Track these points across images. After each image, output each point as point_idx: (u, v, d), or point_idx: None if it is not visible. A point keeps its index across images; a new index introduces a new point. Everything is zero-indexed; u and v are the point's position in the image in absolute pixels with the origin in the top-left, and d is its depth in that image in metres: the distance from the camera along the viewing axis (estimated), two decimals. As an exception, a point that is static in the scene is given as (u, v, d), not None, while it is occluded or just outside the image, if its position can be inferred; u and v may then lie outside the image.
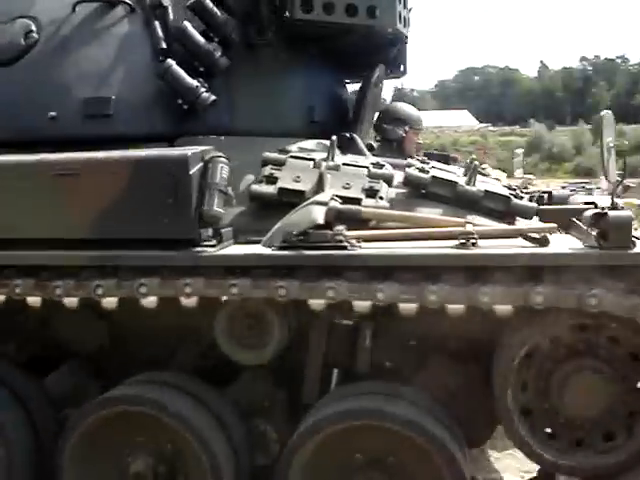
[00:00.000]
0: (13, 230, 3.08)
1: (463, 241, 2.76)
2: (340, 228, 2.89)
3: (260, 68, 3.78)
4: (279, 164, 3.32)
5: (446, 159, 4.35)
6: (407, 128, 4.63)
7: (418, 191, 3.29)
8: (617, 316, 2.71)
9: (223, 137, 3.58)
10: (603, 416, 2.89)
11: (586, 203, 3.44)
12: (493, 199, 3.25)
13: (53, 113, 3.61)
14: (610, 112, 3.39)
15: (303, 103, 4.04)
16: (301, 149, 3.59)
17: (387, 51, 4.34)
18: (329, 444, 2.96)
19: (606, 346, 2.87)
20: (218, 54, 3.58)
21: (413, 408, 2.94)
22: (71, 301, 3.06)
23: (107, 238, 2.98)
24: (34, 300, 3.13)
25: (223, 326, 3.11)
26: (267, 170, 3.26)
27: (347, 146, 3.92)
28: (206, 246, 2.94)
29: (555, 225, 2.92)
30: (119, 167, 3.00)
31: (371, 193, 3.21)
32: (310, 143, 3.73)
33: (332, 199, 3.00)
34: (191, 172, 2.89)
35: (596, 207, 2.87)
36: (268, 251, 2.90)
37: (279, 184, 3.21)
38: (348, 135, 4.07)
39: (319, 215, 2.91)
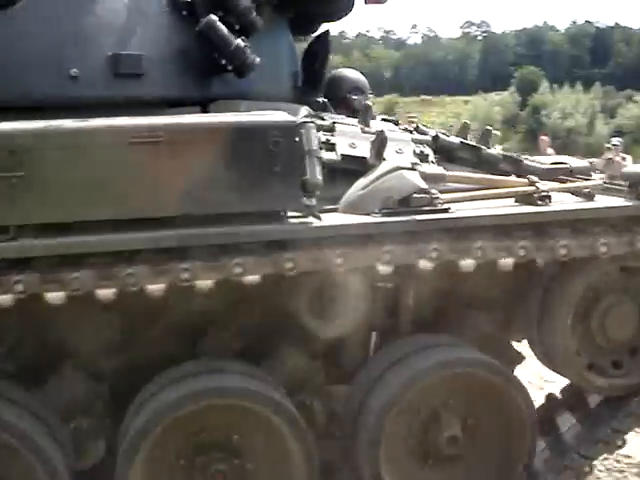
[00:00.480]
0: (76, 212, 2.59)
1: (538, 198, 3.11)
2: (435, 192, 2.94)
3: (261, 30, 3.50)
4: (329, 130, 3.27)
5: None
6: (368, 96, 4.46)
7: (447, 155, 3.52)
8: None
9: (249, 102, 3.41)
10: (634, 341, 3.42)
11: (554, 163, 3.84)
12: (509, 162, 3.61)
13: (75, 71, 3.17)
14: None
15: (291, 68, 3.97)
16: (313, 115, 3.47)
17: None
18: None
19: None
20: (254, 12, 3.36)
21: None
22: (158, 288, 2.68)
23: (198, 214, 2.69)
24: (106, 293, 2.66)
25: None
26: (321, 136, 3.13)
27: (322, 111, 3.82)
28: (314, 216, 2.81)
29: (600, 182, 3.39)
30: (216, 134, 2.71)
31: (423, 158, 3.33)
32: (303, 109, 3.62)
33: (414, 165, 3.06)
34: (297, 139, 2.75)
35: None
36: (377, 218, 2.87)
37: (339, 151, 3.18)
38: (321, 101, 4.04)
39: (419, 180, 2.95)
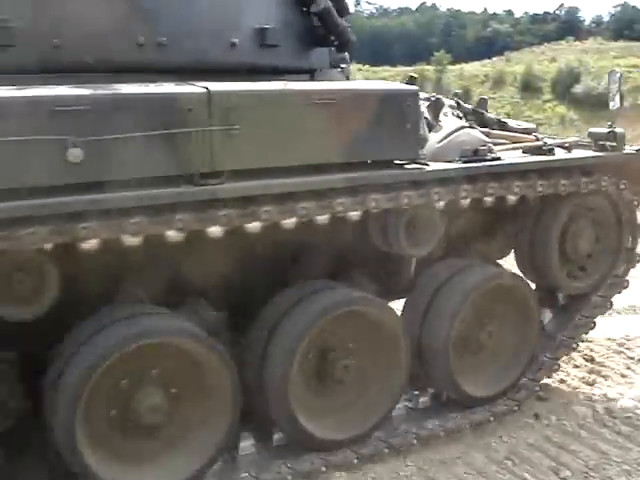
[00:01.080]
0: (275, 159, 3.21)
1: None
2: (492, 146, 3.97)
3: None
4: None
5: None
6: None
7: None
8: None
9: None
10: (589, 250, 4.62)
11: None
12: (499, 124, 4.73)
13: (235, 40, 3.78)
14: None
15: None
16: None
17: None
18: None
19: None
20: None
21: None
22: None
23: (354, 161, 3.44)
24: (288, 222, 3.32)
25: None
26: None
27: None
28: (423, 164, 3.64)
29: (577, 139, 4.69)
30: (370, 99, 3.49)
31: (460, 119, 4.37)
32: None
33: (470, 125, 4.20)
34: (418, 103, 3.64)
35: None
36: (461, 164, 3.78)
37: None
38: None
39: (481, 135, 4.07)
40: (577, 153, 4.42)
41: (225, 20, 3.75)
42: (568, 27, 64.60)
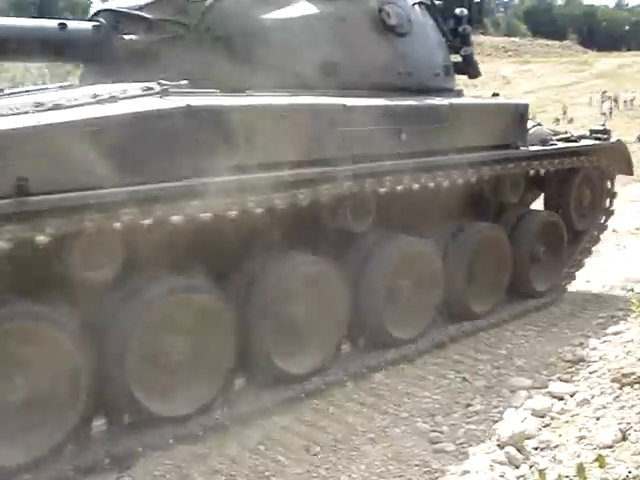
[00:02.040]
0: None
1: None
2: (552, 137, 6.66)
3: None
4: None
5: None
6: None
7: None
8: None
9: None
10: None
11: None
12: None
13: (437, 71, 5.96)
14: None
15: None
16: None
17: None
18: None
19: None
20: None
21: None
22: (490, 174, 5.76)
23: (499, 144, 5.79)
24: None
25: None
26: None
27: None
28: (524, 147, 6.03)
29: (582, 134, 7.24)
30: (509, 108, 6.12)
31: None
32: None
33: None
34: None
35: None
36: (541, 147, 6.29)
37: None
38: None
39: (547, 131, 6.89)
40: (585, 142, 6.84)
41: (435, 61, 5.98)
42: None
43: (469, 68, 6.60)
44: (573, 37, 79.25)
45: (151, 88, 4.03)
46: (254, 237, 4.42)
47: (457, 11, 6.41)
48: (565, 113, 38.60)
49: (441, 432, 4.28)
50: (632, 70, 36.06)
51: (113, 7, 4.98)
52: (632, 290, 6.89)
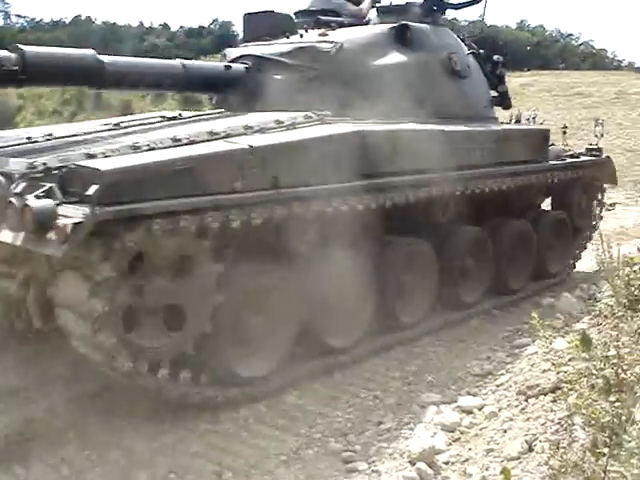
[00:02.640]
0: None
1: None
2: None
3: None
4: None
5: None
6: None
7: None
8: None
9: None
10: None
11: None
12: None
13: (486, 104, 7.74)
14: None
15: None
16: None
17: None
18: None
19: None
20: None
21: None
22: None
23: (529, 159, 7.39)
24: None
25: None
26: None
27: None
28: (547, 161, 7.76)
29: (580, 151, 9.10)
30: (536, 132, 8.17)
31: None
32: None
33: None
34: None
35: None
36: (560, 161, 8.09)
37: None
38: None
39: (560, 148, 8.72)
40: (584, 157, 8.53)
41: (484, 96, 7.77)
42: (223, 41, 67.12)
43: (504, 101, 8.41)
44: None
45: (310, 117, 5.54)
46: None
47: (494, 57, 8.23)
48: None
49: (354, 451, 4.29)
50: (534, 89, 37.41)
51: (258, 53, 6.48)
52: (539, 303, 7.09)
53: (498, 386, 4.86)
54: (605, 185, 9.03)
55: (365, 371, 5.49)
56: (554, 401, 4.04)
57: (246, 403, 4.82)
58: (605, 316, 5.14)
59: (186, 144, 4.66)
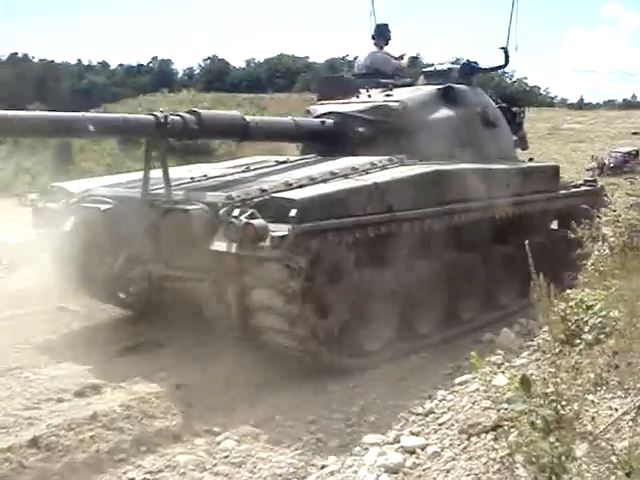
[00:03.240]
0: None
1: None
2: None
3: None
4: None
5: None
6: None
7: None
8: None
9: None
10: None
11: None
12: None
13: (511, 147, 9.73)
14: None
15: None
16: None
17: None
18: None
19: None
20: None
21: None
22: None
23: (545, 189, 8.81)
24: None
25: None
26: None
27: None
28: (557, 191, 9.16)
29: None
30: (548, 168, 9.50)
31: None
32: None
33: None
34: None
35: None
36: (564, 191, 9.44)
37: None
38: None
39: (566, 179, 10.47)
40: (584, 187, 9.83)
41: (510, 140, 9.49)
42: (162, 79, 66.96)
43: (523, 144, 10.19)
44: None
45: (392, 160, 7.13)
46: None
47: (514, 109, 10.08)
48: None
49: (298, 497, 4.22)
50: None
51: (342, 110, 8.21)
52: (479, 340, 7.14)
53: (440, 425, 4.85)
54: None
55: (307, 413, 5.43)
56: (495, 439, 4.06)
57: (370, 369, 6.20)
58: (543, 351, 5.22)
59: (339, 178, 6.44)
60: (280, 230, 5.28)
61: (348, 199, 5.88)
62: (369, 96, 8.45)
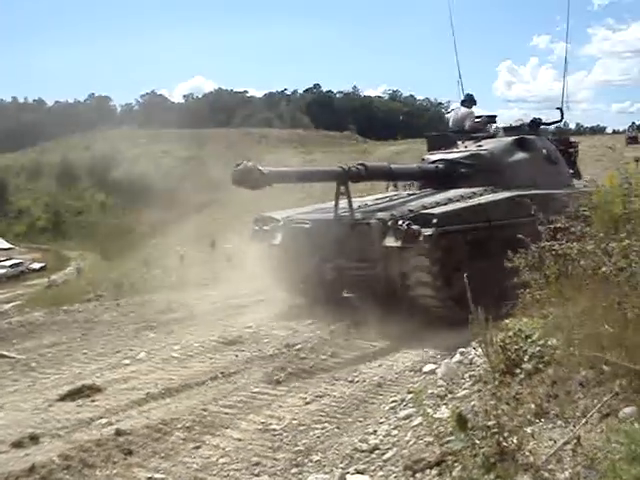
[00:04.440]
0: None
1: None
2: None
3: None
4: None
5: None
6: None
7: None
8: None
9: None
10: None
11: None
12: None
13: (568, 178, 12.44)
14: None
15: None
16: None
17: None
18: None
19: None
20: None
21: None
22: None
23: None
24: None
25: None
26: None
27: None
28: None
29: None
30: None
31: None
32: None
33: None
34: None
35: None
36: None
37: None
38: None
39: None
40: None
41: (567, 172, 12.51)
42: (101, 115, 66.42)
43: (576, 175, 12.72)
44: (352, 127, 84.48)
45: (486, 189, 10.29)
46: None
47: (570, 150, 13.19)
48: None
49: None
50: (407, 155, 38.84)
51: (449, 158, 11.42)
52: (420, 370, 7.14)
53: (385, 461, 4.81)
54: None
55: (252, 454, 5.33)
56: (440, 475, 4.04)
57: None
58: (485, 382, 5.24)
59: (455, 201, 9.68)
60: (428, 231, 8.50)
61: (463, 214, 9.16)
62: (465, 147, 11.83)
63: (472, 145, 11.79)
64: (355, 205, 9.91)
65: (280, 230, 10.24)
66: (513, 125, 12.88)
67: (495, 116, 13.43)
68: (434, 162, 11.51)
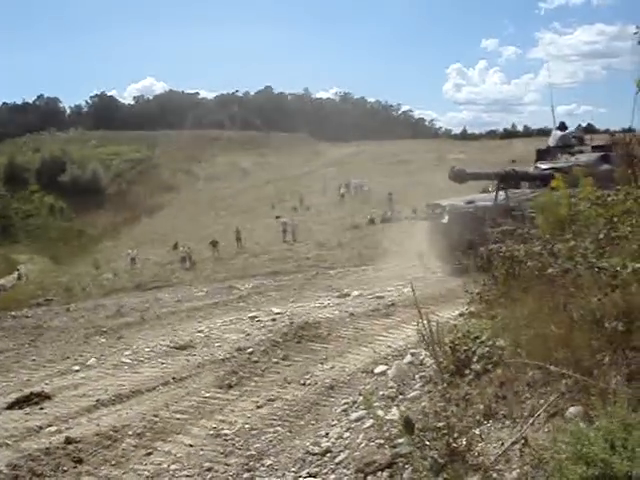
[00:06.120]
0: None
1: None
2: None
3: None
4: None
5: None
6: None
7: None
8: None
9: None
10: None
11: None
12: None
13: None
14: None
15: None
16: None
17: None
18: None
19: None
20: None
21: None
22: None
23: None
24: None
25: None
26: None
27: None
28: None
29: None
30: None
31: None
32: None
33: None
34: None
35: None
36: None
37: None
38: None
39: None
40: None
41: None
42: (49, 117, 65.33)
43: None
44: (305, 129, 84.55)
45: None
46: None
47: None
48: (302, 201, 40.68)
49: None
50: (359, 158, 39.03)
51: (558, 166, 14.22)
52: (372, 372, 7.15)
53: (337, 464, 4.81)
54: None
55: (204, 459, 5.30)
56: (391, 477, 4.06)
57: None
58: (435, 382, 5.28)
59: None
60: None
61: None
62: (565, 159, 15.40)
63: (570, 158, 15.62)
64: (502, 196, 14.37)
65: (447, 213, 14.86)
66: (600, 144, 16.19)
67: (583, 137, 17.78)
68: (545, 169, 15.02)
